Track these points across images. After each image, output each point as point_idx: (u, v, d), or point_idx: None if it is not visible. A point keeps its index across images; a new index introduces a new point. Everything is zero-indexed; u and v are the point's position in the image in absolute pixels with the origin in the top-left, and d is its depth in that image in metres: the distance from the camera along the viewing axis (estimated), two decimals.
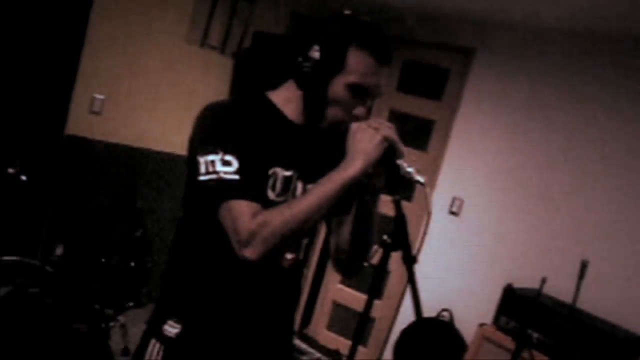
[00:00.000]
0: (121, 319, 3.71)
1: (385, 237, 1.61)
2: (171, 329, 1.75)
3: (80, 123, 4.32)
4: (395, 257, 1.62)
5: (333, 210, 1.74)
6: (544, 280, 3.41)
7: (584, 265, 3.25)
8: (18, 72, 3.86)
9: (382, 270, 1.66)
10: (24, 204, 3.72)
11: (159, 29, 4.59)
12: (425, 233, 1.61)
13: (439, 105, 4.98)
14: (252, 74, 4.76)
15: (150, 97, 4.69)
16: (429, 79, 5.10)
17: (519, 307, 3.84)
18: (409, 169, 1.61)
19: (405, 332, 4.58)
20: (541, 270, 3.68)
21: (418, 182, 1.60)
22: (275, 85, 1.84)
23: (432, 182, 4.79)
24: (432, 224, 1.66)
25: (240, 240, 1.57)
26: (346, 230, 1.86)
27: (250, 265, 1.58)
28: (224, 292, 1.77)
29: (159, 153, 4.75)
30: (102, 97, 4.41)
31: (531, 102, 4.47)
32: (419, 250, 1.61)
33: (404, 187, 1.64)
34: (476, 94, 4.77)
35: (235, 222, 1.58)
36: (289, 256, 1.80)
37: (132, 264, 3.36)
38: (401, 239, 1.60)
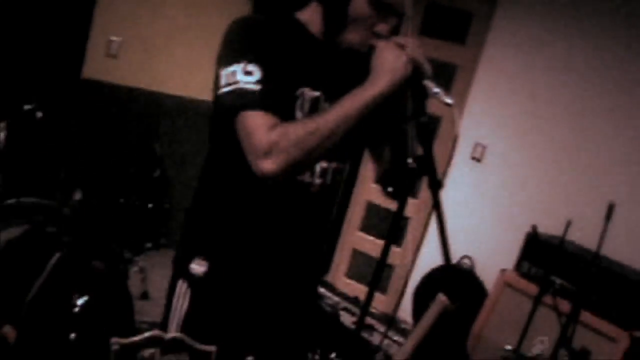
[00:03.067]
0: (140, 262, 3.71)
1: (410, 160, 1.54)
2: (198, 267, 1.71)
3: (97, 66, 4.27)
4: (413, 204, 1.55)
5: (364, 138, 1.68)
6: (568, 224, 3.34)
7: (610, 208, 3.17)
8: (34, 14, 3.80)
9: (402, 209, 1.59)
10: (41, 144, 3.69)
11: None
12: (451, 157, 1.55)
13: (462, 49, 4.86)
14: (274, 11, 4.65)
15: (167, 40, 4.61)
16: (452, 22, 4.97)
17: (541, 253, 3.78)
18: (436, 90, 1.54)
19: (425, 280, 4.55)
20: (566, 216, 3.61)
21: (446, 103, 1.53)
22: (301, 6, 1.76)
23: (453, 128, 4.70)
24: (453, 171, 1.60)
25: (258, 152, 1.48)
26: (387, 154, 1.82)
27: (279, 191, 1.51)
28: (251, 224, 1.71)
29: (176, 97, 4.69)
30: (118, 39, 4.33)
31: (558, 46, 4.35)
32: (444, 175, 1.55)
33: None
34: (501, 37, 4.65)
35: (251, 133, 1.50)
36: (317, 181, 1.72)
37: (150, 205, 3.33)
38: (427, 164, 1.53)
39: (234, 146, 1.57)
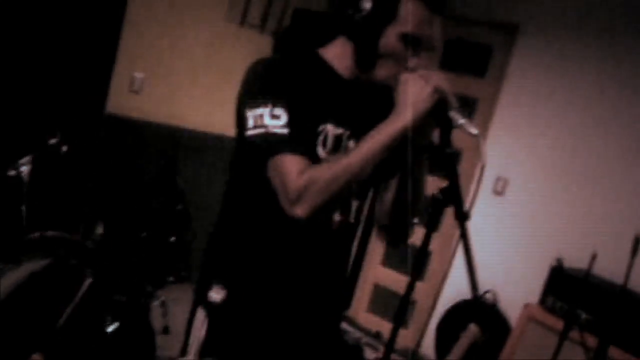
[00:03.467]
0: (162, 296, 3.70)
1: (436, 193, 1.53)
2: (216, 295, 1.71)
3: (120, 102, 4.31)
4: (436, 237, 1.55)
5: (382, 172, 1.68)
6: (593, 257, 3.29)
7: (637, 241, 3.12)
8: (60, 49, 3.86)
9: (427, 243, 1.57)
10: (65, 178, 3.72)
11: (199, 7, 4.56)
12: (478, 186, 1.54)
13: (482, 82, 4.87)
14: (296, 50, 4.70)
15: (189, 76, 4.66)
16: (472, 56, 4.99)
17: (566, 287, 3.73)
18: (462, 121, 1.53)
19: (448, 315, 4.50)
20: (590, 249, 3.56)
21: (472, 134, 1.52)
22: (323, 44, 1.78)
23: (475, 161, 4.68)
24: (475, 204, 1.58)
25: (289, 197, 1.52)
26: (391, 193, 1.80)
27: (299, 226, 1.53)
28: (270, 255, 1.72)
29: (197, 132, 4.72)
30: (141, 75, 4.39)
31: (579, 79, 4.34)
32: (471, 206, 1.54)
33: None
34: (521, 70, 4.65)
35: (284, 178, 1.53)
36: (337, 217, 1.73)
37: (172, 239, 3.34)
38: (453, 194, 1.52)
39: (257, 181, 1.61)
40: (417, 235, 2.18)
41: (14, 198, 2.89)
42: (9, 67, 3.64)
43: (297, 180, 1.51)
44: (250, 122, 1.57)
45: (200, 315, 1.75)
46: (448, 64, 5.00)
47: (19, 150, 2.97)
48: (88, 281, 2.70)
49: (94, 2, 3.97)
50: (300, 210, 1.51)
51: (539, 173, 4.46)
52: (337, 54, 1.72)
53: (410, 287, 1.62)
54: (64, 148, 2.94)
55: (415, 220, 1.79)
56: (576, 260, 3.83)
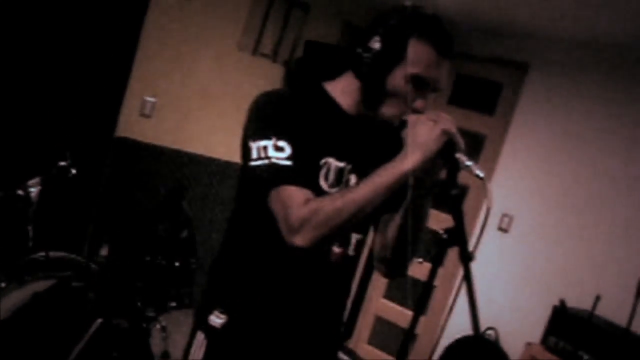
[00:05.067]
0: (162, 321, 3.69)
1: (441, 231, 1.55)
2: (216, 319, 1.74)
3: (131, 125, 4.35)
4: (439, 273, 1.56)
5: (384, 205, 1.69)
6: (597, 299, 3.29)
7: None
8: (72, 72, 3.91)
9: (431, 281, 1.59)
10: (72, 200, 3.75)
11: (212, 34, 4.61)
12: (483, 228, 1.55)
13: (491, 120, 4.90)
14: (303, 83, 4.73)
15: (200, 103, 4.70)
16: (481, 93, 5.02)
17: (569, 327, 3.72)
18: (468, 163, 1.55)
19: (449, 351, 4.47)
20: (594, 290, 3.56)
21: (478, 176, 1.53)
22: (332, 77, 1.81)
23: (481, 198, 4.68)
24: (480, 240, 1.59)
25: (291, 227, 1.53)
26: (394, 227, 1.80)
27: (297, 256, 1.55)
28: (270, 284, 1.74)
29: (207, 158, 4.75)
30: (153, 100, 4.43)
31: (588, 118, 4.36)
32: (475, 247, 1.54)
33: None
34: (530, 109, 4.68)
35: (286, 208, 1.54)
36: (336, 250, 1.75)
37: (177, 264, 3.34)
38: (458, 235, 1.53)
39: (259, 211, 1.63)
40: (421, 271, 2.19)
41: (21, 218, 2.91)
42: (21, 89, 3.69)
43: (299, 211, 1.53)
44: (255, 154, 1.59)
45: (199, 337, 1.77)
46: (457, 100, 5.04)
47: (29, 171, 2.99)
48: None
49: (108, 25, 4.02)
50: (300, 240, 1.52)
51: (544, 211, 4.46)
52: (344, 90, 1.76)
53: (414, 321, 1.62)
54: (73, 171, 2.96)
55: (420, 259, 1.80)
56: (579, 300, 3.83)
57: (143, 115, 4.42)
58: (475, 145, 4.93)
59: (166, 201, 3.55)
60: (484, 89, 5.01)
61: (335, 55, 4.70)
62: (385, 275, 1.95)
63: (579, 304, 3.83)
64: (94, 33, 3.96)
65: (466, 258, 1.52)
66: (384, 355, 5.14)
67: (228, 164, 4.76)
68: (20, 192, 2.92)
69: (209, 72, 4.68)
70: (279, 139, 1.58)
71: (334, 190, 1.68)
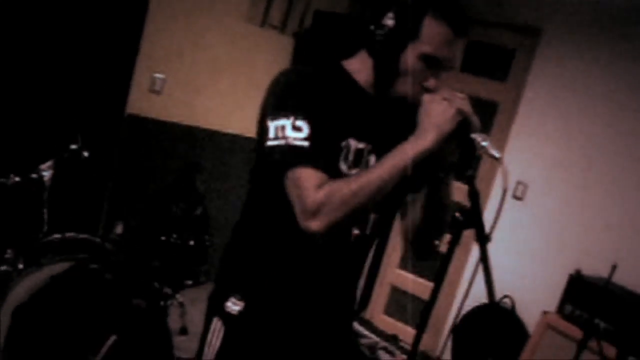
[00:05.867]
0: (179, 297, 3.72)
1: (457, 214, 1.53)
2: (234, 306, 1.72)
3: (141, 102, 4.33)
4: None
5: (405, 187, 1.67)
6: (613, 268, 3.27)
7: None
8: (80, 51, 3.88)
9: (450, 255, 1.58)
10: (85, 181, 3.75)
11: (220, 8, 4.56)
12: (500, 211, 1.53)
13: (503, 86, 4.84)
14: (313, 54, 4.70)
15: (210, 77, 4.67)
16: (493, 59, 4.96)
17: (585, 295, 3.71)
18: (484, 143, 1.53)
19: (465, 319, 4.48)
20: (610, 257, 3.53)
21: (494, 156, 1.51)
22: (348, 55, 1.78)
23: (494, 166, 4.66)
24: (494, 208, 1.58)
25: (306, 211, 1.51)
26: (419, 209, 1.79)
27: (317, 239, 1.53)
28: (288, 268, 1.72)
29: (218, 133, 4.74)
30: (162, 76, 4.40)
31: (601, 83, 4.29)
32: (492, 229, 1.53)
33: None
34: (543, 75, 4.61)
35: (301, 191, 1.52)
36: (355, 231, 1.73)
37: (191, 242, 3.35)
38: (474, 217, 1.52)
39: (276, 193, 1.60)
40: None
41: (36, 202, 2.91)
42: (30, 72, 3.67)
43: (315, 194, 1.50)
44: (272, 133, 1.56)
45: (217, 324, 1.76)
46: (469, 67, 4.98)
47: (41, 155, 2.99)
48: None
49: (114, 3, 3.98)
50: (316, 225, 1.51)
51: (559, 179, 4.42)
52: (359, 68, 1.72)
53: (435, 293, 1.61)
54: (85, 153, 2.95)
55: (437, 242, 1.78)
56: (595, 267, 3.81)
57: (153, 91, 4.40)
58: (489, 113, 4.88)
59: (179, 180, 3.55)
60: (496, 55, 4.94)
61: (345, 26, 4.65)
62: (416, 256, 1.93)
63: (596, 272, 3.81)
64: (101, 12, 3.92)
65: (483, 240, 1.51)
66: (400, 325, 5.16)
67: (240, 138, 4.74)
68: (34, 175, 2.92)
69: (217, 45, 4.65)
70: (297, 118, 1.55)
71: (353, 172, 1.66)
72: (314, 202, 1.50)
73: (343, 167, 1.64)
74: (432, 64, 1.62)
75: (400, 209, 1.88)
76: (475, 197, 1.52)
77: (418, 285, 4.98)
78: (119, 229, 3.83)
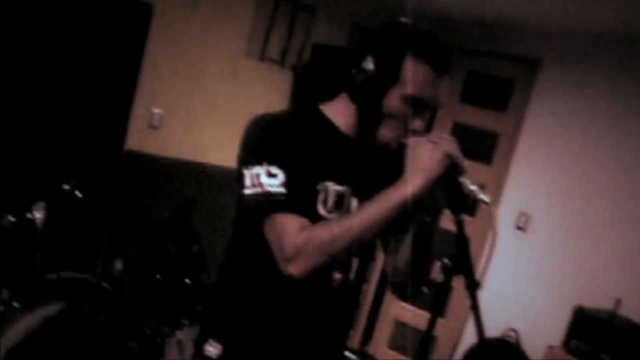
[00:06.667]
0: (179, 335, 3.67)
1: (446, 260, 1.49)
2: (212, 349, 1.69)
3: (139, 138, 4.31)
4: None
5: (390, 229, 1.63)
6: (618, 302, 3.20)
7: None
8: (77, 88, 3.87)
9: (445, 290, 1.54)
10: (80, 220, 3.71)
11: (218, 42, 4.56)
12: (491, 255, 1.48)
13: (504, 117, 4.81)
14: (312, 87, 4.68)
15: (209, 112, 4.66)
16: (493, 90, 4.94)
17: (591, 329, 3.64)
18: (472, 187, 1.48)
19: (470, 353, 4.41)
20: (615, 290, 3.48)
21: (482, 201, 1.47)
22: (329, 98, 1.75)
23: (497, 196, 4.62)
24: (497, 240, 1.53)
25: (285, 256, 1.49)
26: (404, 252, 1.75)
27: (297, 284, 1.50)
28: (267, 313, 1.68)
29: (217, 168, 4.71)
30: (160, 111, 4.39)
31: (602, 114, 4.26)
32: (483, 274, 1.49)
33: (466, 206, 1.52)
34: (543, 105, 4.59)
35: (280, 237, 1.50)
36: (337, 276, 1.69)
37: (188, 281, 3.31)
38: (464, 263, 1.48)
39: (256, 238, 1.58)
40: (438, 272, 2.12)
41: (28, 244, 2.88)
42: (25, 109, 3.65)
43: (294, 238, 1.48)
44: (248, 181, 1.55)
45: None
46: (469, 98, 4.96)
47: (36, 194, 2.96)
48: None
49: (113, 37, 3.98)
50: (295, 269, 1.48)
51: (562, 209, 4.37)
52: (340, 112, 1.69)
53: (432, 324, 1.56)
54: (78, 194, 2.92)
55: (425, 289, 1.74)
56: (602, 300, 3.75)
57: (151, 127, 4.38)
58: (489, 143, 4.86)
59: (175, 217, 3.52)
60: (496, 85, 4.92)
61: (344, 59, 4.63)
62: (401, 298, 1.90)
63: (601, 305, 3.75)
64: (99, 47, 3.92)
65: (473, 286, 1.47)
66: (403, 358, 5.08)
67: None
68: (29, 216, 2.90)
69: (216, 80, 4.63)
70: (271, 164, 1.53)
71: (333, 215, 1.62)
72: (292, 246, 1.48)
73: (322, 210, 1.61)
74: (416, 105, 1.58)
75: (385, 249, 1.84)
76: (464, 244, 1.48)
77: (422, 318, 4.92)
78: (119, 266, 3.80)
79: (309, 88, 4.72)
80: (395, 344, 5.24)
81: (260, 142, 1.59)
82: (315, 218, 1.56)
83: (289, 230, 1.49)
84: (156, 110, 4.36)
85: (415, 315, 5.06)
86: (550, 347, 3.85)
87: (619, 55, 4.21)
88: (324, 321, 1.75)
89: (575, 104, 4.40)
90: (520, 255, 4.47)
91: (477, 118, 4.89)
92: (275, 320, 1.68)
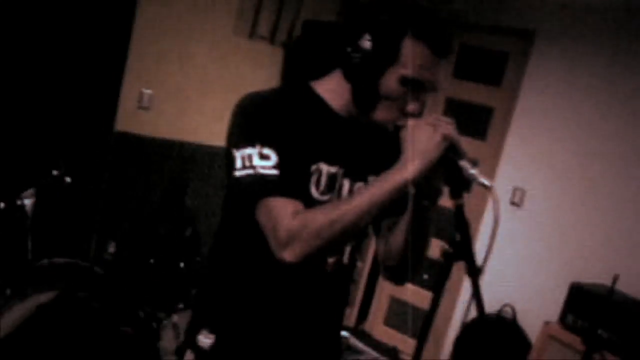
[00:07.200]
0: (174, 318, 3.65)
1: (446, 246, 1.45)
2: (205, 339, 1.65)
3: (129, 119, 4.26)
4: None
5: (385, 212, 1.59)
6: (615, 278, 3.19)
7: None
8: (64, 69, 3.81)
9: (445, 273, 1.50)
10: (71, 205, 3.67)
11: (207, 20, 4.48)
12: (492, 242, 1.44)
13: (498, 91, 4.76)
14: (303, 64, 4.62)
15: (199, 91, 4.60)
16: (486, 64, 4.88)
17: (587, 305, 3.63)
18: (472, 171, 1.44)
19: (466, 329, 4.40)
20: (612, 264, 3.47)
21: (484, 185, 1.43)
22: (320, 75, 1.69)
23: (491, 172, 4.58)
24: (492, 215, 1.49)
25: (279, 241, 1.43)
26: (398, 235, 1.70)
27: (290, 269, 1.45)
28: (260, 300, 1.64)
29: (209, 147, 4.65)
30: (150, 91, 4.33)
31: (598, 86, 4.21)
32: (485, 259, 1.45)
33: (466, 190, 1.48)
34: (538, 78, 4.54)
35: (273, 221, 1.44)
36: (330, 260, 1.65)
37: (182, 264, 3.27)
38: (465, 248, 1.44)
39: (247, 222, 1.53)
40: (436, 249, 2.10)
41: (18, 231, 2.84)
42: (12, 92, 3.59)
43: (289, 223, 1.43)
44: (239, 163, 1.49)
45: (189, 358, 1.68)
46: (462, 73, 4.90)
47: (25, 180, 2.91)
48: None
49: (100, 16, 3.90)
50: (289, 255, 1.43)
51: (557, 184, 4.34)
52: (333, 90, 1.63)
53: (434, 305, 1.54)
54: (68, 179, 2.87)
55: (425, 275, 1.71)
56: (598, 274, 3.73)
57: (141, 107, 4.32)
58: (483, 118, 4.81)
59: (166, 199, 3.48)
60: (489, 59, 4.86)
61: (335, 34, 4.56)
62: (393, 282, 1.86)
63: (597, 279, 3.73)
64: (86, 28, 3.85)
65: (474, 272, 1.43)
66: (400, 335, 5.08)
67: None
68: (19, 202, 2.85)
69: (205, 59, 4.57)
70: (264, 146, 1.47)
71: (326, 197, 1.58)
72: (287, 231, 1.42)
73: (314, 192, 1.57)
74: (413, 87, 1.53)
75: (377, 231, 1.79)
76: (465, 228, 1.44)
77: (417, 295, 4.90)
78: (111, 248, 3.76)
79: (301, 65, 4.65)
80: (392, 322, 5.23)
81: (252, 122, 1.53)
82: (308, 200, 1.51)
83: (283, 215, 1.44)
84: (146, 91, 4.30)
85: (412, 293, 5.04)
86: (547, 323, 3.84)
87: (615, 27, 4.16)
88: (318, 306, 1.71)
89: (571, 77, 4.35)
90: (515, 231, 4.44)
91: (471, 93, 4.84)
92: (268, 307, 1.64)
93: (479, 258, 1.44)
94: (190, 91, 4.55)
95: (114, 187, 4.18)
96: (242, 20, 4.63)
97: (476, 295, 1.42)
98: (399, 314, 5.19)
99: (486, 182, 1.43)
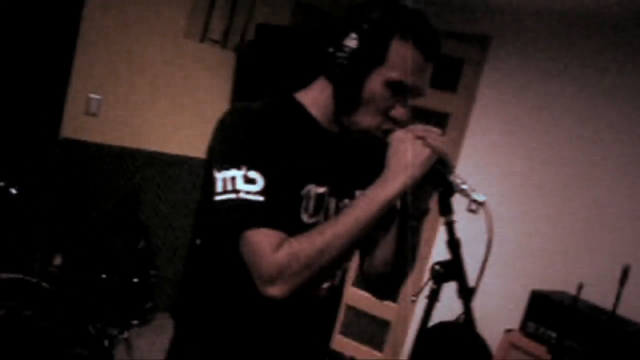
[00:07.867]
0: (125, 334, 3.49)
1: (437, 266, 1.37)
2: None
3: (76, 125, 4.08)
4: None
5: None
6: (580, 287, 3.16)
7: (625, 272, 2.99)
8: (7, 74, 3.61)
9: (430, 309, 1.42)
10: (15, 217, 3.48)
11: (157, 23, 4.33)
12: (485, 261, 1.36)
13: (454, 97, 4.72)
14: (256, 68, 4.50)
15: (149, 96, 4.43)
16: (442, 70, 4.81)
17: (548, 312, 3.60)
18: (464, 186, 1.36)
19: (424, 337, 4.34)
20: (571, 270, 3.44)
21: (476, 201, 1.35)
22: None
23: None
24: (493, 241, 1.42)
25: (265, 277, 1.30)
26: (383, 250, 1.60)
27: (280, 304, 1.33)
28: (246, 334, 1.50)
29: (160, 154, 4.49)
30: (98, 97, 4.15)
31: (555, 93, 4.21)
32: (478, 280, 1.37)
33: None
34: (493, 84, 4.52)
35: (257, 255, 1.31)
36: (325, 285, 1.54)
37: (135, 279, 3.11)
38: (456, 268, 1.36)
39: (228, 250, 1.39)
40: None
41: None
42: None
43: (274, 257, 1.30)
44: (220, 186, 1.35)
45: None
46: None
47: None
48: None
49: (44, 18, 3.72)
50: (277, 291, 1.31)
51: (516, 191, 4.32)
52: (317, 100, 1.52)
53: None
54: (13, 190, 2.70)
55: (413, 298, 1.62)
56: (559, 282, 3.71)
57: (88, 114, 4.14)
58: (439, 124, 4.77)
59: (118, 211, 3.32)
60: (445, 65, 4.81)
61: (288, 38, 4.46)
62: (376, 297, 1.75)
63: (557, 287, 3.72)
64: (29, 27, 3.66)
65: (467, 293, 1.35)
66: (357, 344, 5.00)
67: (184, 158, 4.51)
68: None
69: (155, 63, 4.41)
70: (250, 168, 1.33)
71: (314, 220, 1.46)
72: (274, 266, 1.30)
73: (305, 217, 1.45)
74: (400, 91, 1.44)
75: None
76: (455, 247, 1.36)
77: (374, 303, 4.83)
78: (57, 261, 3.58)
79: (253, 70, 4.53)
80: (349, 331, 5.14)
81: (237, 141, 1.38)
82: (298, 226, 1.39)
83: (267, 248, 1.30)
84: (93, 96, 4.13)
85: (368, 301, 4.96)
86: (508, 331, 3.81)
87: (569, 32, 4.16)
88: (311, 333, 1.60)
89: (527, 82, 4.34)
90: (473, 238, 4.38)
91: (427, 99, 4.73)
92: (254, 343, 1.50)
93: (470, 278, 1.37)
94: (140, 97, 4.38)
95: (61, 197, 3.98)
96: (194, 24, 4.49)
97: (467, 317, 1.34)
98: (356, 323, 5.11)
99: (480, 198, 1.35)
